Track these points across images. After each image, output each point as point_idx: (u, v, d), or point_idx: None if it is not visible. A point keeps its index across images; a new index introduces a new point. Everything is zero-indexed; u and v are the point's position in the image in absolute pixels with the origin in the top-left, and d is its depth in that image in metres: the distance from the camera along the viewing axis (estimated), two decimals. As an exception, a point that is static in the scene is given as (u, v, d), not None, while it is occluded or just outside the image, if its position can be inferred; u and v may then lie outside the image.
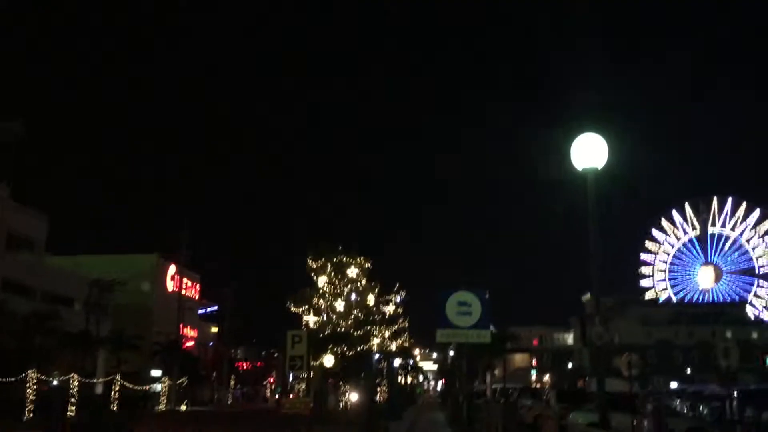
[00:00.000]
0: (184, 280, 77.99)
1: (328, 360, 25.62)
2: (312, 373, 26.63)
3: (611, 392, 26.50)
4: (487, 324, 11.98)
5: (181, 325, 73.53)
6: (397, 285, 37.03)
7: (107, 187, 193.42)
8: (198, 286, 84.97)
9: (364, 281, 28.19)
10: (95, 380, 44.49)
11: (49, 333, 41.14)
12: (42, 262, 55.51)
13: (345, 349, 26.34)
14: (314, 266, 27.36)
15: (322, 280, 27.14)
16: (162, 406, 52.95)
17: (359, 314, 27.12)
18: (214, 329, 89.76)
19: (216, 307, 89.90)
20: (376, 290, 28.52)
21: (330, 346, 25.76)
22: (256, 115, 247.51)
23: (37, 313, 41.74)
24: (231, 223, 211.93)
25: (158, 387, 56.79)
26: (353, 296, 27.30)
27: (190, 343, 79.59)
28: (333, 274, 27.36)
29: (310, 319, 26.49)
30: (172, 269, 72.14)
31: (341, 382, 28.91)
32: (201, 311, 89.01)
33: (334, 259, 27.43)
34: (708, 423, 23.63)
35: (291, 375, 50.67)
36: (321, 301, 26.88)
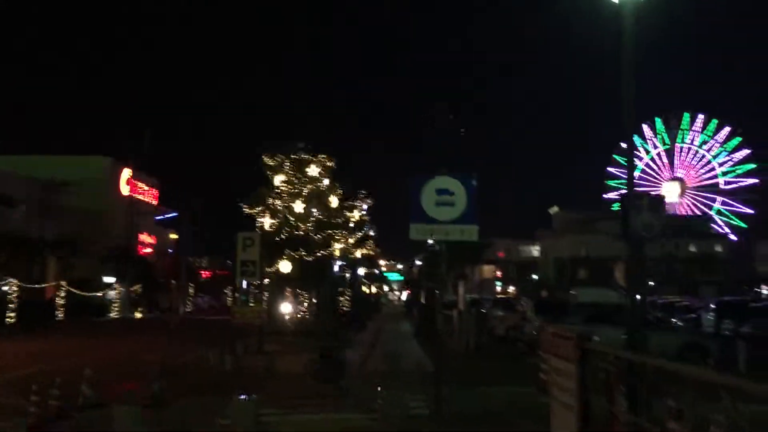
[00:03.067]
0: (141, 184, 74.56)
1: (285, 266, 23.22)
2: (267, 280, 24.26)
3: (603, 303, 24.96)
4: (474, 218, 9.44)
5: (138, 232, 70.78)
6: (364, 192, 34.63)
7: (64, 83, 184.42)
8: (156, 191, 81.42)
9: (326, 182, 25.45)
10: (36, 286, 41.63)
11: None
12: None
13: (304, 254, 23.87)
14: (271, 163, 24.45)
15: (278, 179, 24.33)
16: (114, 314, 50.74)
17: (320, 216, 24.51)
18: (174, 236, 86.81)
19: (176, 214, 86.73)
20: (340, 192, 25.81)
21: (287, 251, 23.23)
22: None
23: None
24: (193, 125, 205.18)
25: (112, 294, 54.50)
26: (312, 194, 24.61)
27: (148, 250, 76.84)
28: (292, 172, 24.54)
29: (266, 222, 23.83)
30: (127, 173, 68.33)
31: (300, 290, 26.61)
32: (160, 218, 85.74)
33: (293, 156, 24.55)
34: (703, 337, 22.07)
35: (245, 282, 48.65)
36: (277, 201, 24.14)
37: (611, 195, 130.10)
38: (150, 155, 62.39)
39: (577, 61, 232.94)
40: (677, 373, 5.15)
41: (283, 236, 23.84)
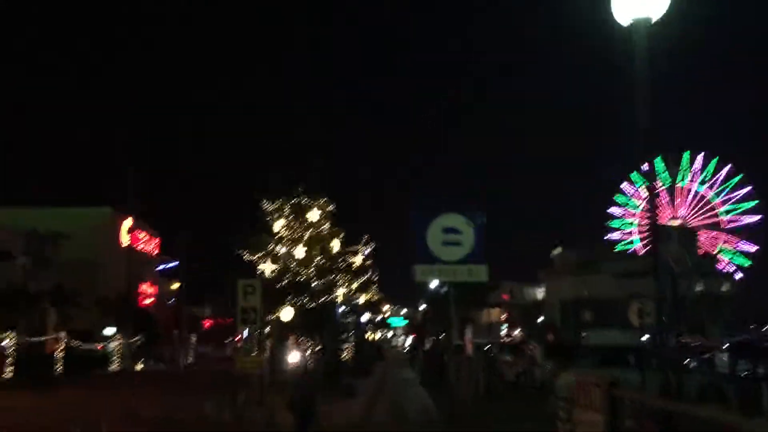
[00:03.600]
0: (142, 234, 74.20)
1: (287, 313, 22.63)
2: (269, 328, 23.65)
3: (612, 345, 24.21)
4: (483, 257, 8.98)
5: (139, 282, 70.10)
6: (366, 237, 34.25)
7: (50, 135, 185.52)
8: (157, 240, 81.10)
9: (327, 226, 25.02)
10: (35, 339, 40.87)
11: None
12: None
13: (306, 300, 23.30)
14: (270, 209, 24.07)
15: (279, 224, 23.90)
16: (115, 366, 49.82)
17: (321, 262, 24.00)
18: (175, 286, 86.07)
19: (177, 263, 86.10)
20: (341, 236, 25.35)
21: (289, 298, 22.67)
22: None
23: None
24: (189, 170, 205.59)
25: (113, 346, 53.53)
26: (314, 239, 24.13)
27: (149, 300, 76.15)
28: (292, 216, 24.12)
29: (267, 268, 23.31)
30: (127, 223, 67.99)
31: (302, 338, 25.93)
32: (161, 267, 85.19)
33: (293, 201, 24.17)
34: (720, 378, 21.27)
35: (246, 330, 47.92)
36: (278, 246, 23.68)
37: (614, 236, 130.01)
38: (138, 196, 61.90)
39: (578, 88, 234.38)
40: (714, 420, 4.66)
41: (284, 283, 23.30)
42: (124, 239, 67.02)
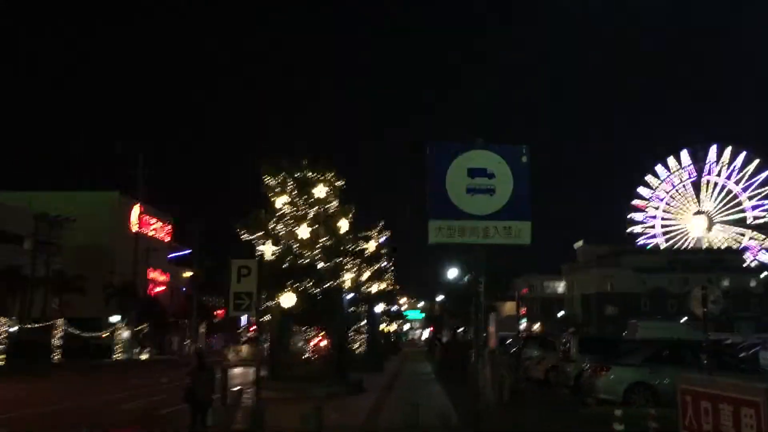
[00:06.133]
0: (153, 220, 72.31)
1: (287, 299, 20.25)
2: (269, 316, 21.30)
3: (668, 340, 21.57)
4: (526, 210, 6.44)
5: (147, 269, 68.17)
6: (381, 223, 31.88)
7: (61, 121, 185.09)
8: (170, 227, 79.16)
9: (335, 203, 22.58)
10: (28, 326, 38.87)
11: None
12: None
13: (309, 285, 20.89)
14: (271, 184, 21.67)
15: (281, 201, 21.49)
16: (118, 355, 47.84)
17: (328, 243, 21.56)
18: (188, 274, 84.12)
19: (190, 251, 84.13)
20: (350, 215, 22.89)
21: (290, 282, 20.28)
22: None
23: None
24: (198, 153, 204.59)
25: (124, 335, 51.60)
26: (320, 218, 21.70)
27: (160, 288, 74.31)
28: (295, 193, 21.71)
29: (267, 249, 20.93)
30: (137, 209, 66.06)
31: (307, 327, 23.56)
32: (173, 255, 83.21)
33: (296, 175, 21.74)
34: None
35: (245, 318, 45.83)
36: (280, 225, 21.27)
37: (636, 229, 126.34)
38: (148, 181, 60.13)
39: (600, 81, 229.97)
40: None
41: (285, 265, 20.92)
42: (134, 225, 65.12)
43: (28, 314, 40.44)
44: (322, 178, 22.10)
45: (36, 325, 38.43)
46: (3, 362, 34.56)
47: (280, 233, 21.43)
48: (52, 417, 16.77)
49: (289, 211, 21.59)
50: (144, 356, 50.28)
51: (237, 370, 18.38)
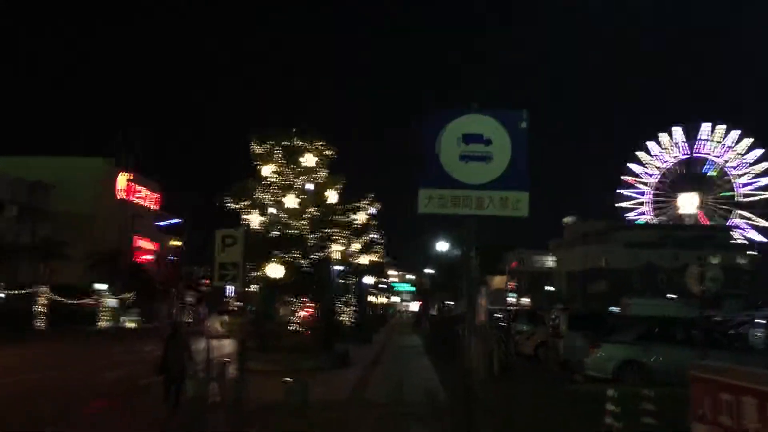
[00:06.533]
0: (141, 188, 71.44)
1: (274, 270, 19.81)
2: (255, 287, 20.87)
3: (662, 317, 21.29)
4: (525, 179, 5.97)
5: (134, 237, 67.51)
6: (371, 195, 31.16)
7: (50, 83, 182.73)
8: (158, 195, 78.22)
9: (324, 173, 22.04)
10: (9, 292, 38.32)
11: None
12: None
13: (297, 256, 20.45)
14: (259, 151, 21.10)
15: (268, 169, 20.94)
16: (103, 323, 47.42)
17: (316, 213, 21.09)
18: (176, 243, 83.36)
19: (179, 220, 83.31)
20: (339, 186, 22.37)
21: (277, 253, 19.82)
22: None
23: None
24: (194, 122, 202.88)
25: (110, 302, 51.09)
26: (309, 187, 21.16)
27: (148, 257, 73.64)
28: (283, 161, 21.15)
29: (253, 219, 20.45)
30: (124, 176, 65.13)
31: (294, 299, 23.13)
32: (162, 224, 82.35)
33: (284, 143, 21.16)
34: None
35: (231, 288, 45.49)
36: (267, 195, 20.75)
37: (625, 204, 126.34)
38: (143, 155, 59.24)
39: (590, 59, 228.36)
40: None
41: (272, 235, 20.44)
42: (120, 192, 64.28)
43: (14, 281, 39.89)
44: (311, 147, 21.54)
45: (22, 291, 37.84)
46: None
47: (267, 202, 20.93)
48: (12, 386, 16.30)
49: (276, 180, 21.05)
50: (131, 324, 49.85)
51: (225, 342, 17.95)
